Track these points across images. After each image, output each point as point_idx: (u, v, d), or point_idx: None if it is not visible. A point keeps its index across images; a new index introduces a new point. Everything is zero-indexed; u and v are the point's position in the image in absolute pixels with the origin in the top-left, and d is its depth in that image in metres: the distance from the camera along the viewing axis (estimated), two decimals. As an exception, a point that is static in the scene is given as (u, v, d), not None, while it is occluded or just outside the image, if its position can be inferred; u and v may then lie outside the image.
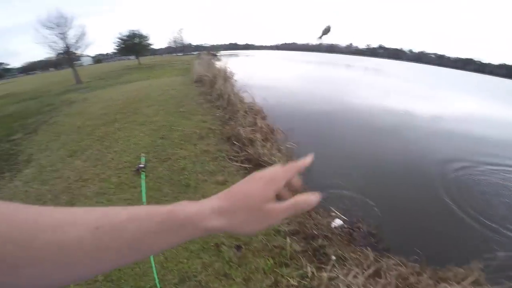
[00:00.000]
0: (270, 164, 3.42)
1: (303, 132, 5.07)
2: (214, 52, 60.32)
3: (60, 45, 15.33)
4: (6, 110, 9.21)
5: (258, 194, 0.31)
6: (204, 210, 0.30)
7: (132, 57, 33.44)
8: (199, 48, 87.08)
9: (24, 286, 0.23)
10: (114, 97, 7.60)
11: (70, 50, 15.71)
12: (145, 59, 42.36)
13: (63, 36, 15.17)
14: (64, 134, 4.86)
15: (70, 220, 0.25)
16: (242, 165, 3.50)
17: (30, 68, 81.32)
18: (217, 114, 5.10)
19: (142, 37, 30.01)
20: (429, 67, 77.08)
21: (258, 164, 3.50)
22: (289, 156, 3.77)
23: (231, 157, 3.64)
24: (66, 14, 15.19)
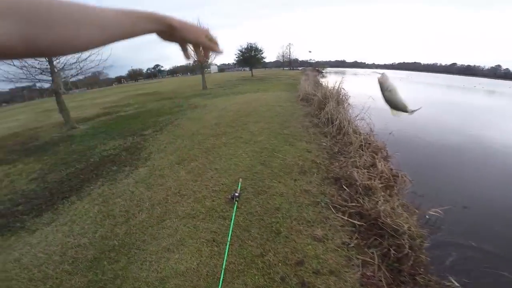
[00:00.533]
0: (394, 230, 2.51)
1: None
2: (319, 68, 59.88)
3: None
4: (149, 106, 11.62)
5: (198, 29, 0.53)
6: (167, 16, 0.49)
7: (247, 68, 37.00)
8: (304, 63, 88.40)
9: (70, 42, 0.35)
10: (227, 107, 8.17)
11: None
12: (257, 71, 46.36)
13: None
14: (180, 138, 5.38)
15: (110, 11, 0.41)
16: (350, 219, 2.71)
17: (174, 71, 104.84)
18: (324, 144, 4.45)
19: (257, 50, 32.58)
20: None
21: (374, 224, 2.63)
22: (422, 223, 2.69)
23: (337, 205, 2.90)
24: (202, 24, 17.59)
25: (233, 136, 4.94)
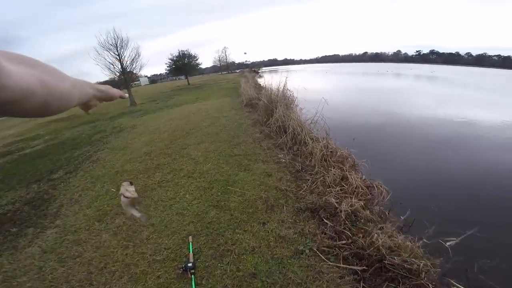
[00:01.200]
0: (408, 269, 1.91)
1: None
2: (255, 69, 61.00)
3: (117, 67, 15.56)
4: (64, 135, 9.30)
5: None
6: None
7: (183, 76, 34.87)
8: (241, 65, 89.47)
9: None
10: (160, 127, 6.85)
11: (126, 71, 15.89)
12: (194, 79, 44.34)
13: (119, 57, 15.39)
14: (100, 180, 4.00)
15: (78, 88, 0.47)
16: (349, 266, 2.01)
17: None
18: (283, 160, 3.73)
19: (190, 57, 30.97)
20: (491, 70, 66.24)
21: (382, 267, 1.97)
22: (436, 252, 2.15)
23: (325, 248, 2.18)
24: (122, 35, 15.36)
25: (170, 169, 3.81)
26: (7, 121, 32.53)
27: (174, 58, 30.05)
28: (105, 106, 20.02)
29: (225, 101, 10.40)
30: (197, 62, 31.40)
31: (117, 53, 15.16)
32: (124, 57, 15.34)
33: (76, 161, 5.38)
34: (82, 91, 0.48)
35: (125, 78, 15.80)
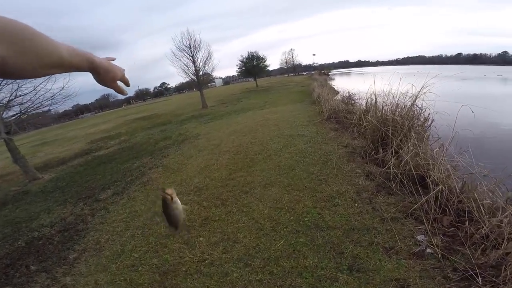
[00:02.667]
0: None
1: None
2: (325, 71, 56.79)
3: (192, 68, 15.57)
4: (137, 137, 9.30)
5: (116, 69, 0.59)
6: (96, 57, 0.54)
7: (252, 78, 34.80)
8: (308, 68, 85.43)
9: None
10: (223, 143, 5.63)
11: (199, 73, 15.78)
12: (261, 81, 44.11)
13: (192, 58, 15.32)
14: (136, 219, 2.92)
15: (61, 49, 0.44)
16: None
17: (181, 88, 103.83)
18: (428, 251, 1.80)
19: (259, 59, 30.42)
20: None
21: None
22: None
23: None
24: (195, 37, 15.35)
25: (219, 235, 2.31)
26: (108, 115, 38.62)
27: (244, 60, 29.99)
28: (181, 107, 21.04)
29: (297, 109, 8.66)
30: (265, 64, 30.65)
31: (191, 55, 15.13)
32: (197, 58, 15.31)
33: (130, 177, 4.65)
34: (72, 52, 0.47)
35: (198, 80, 15.85)
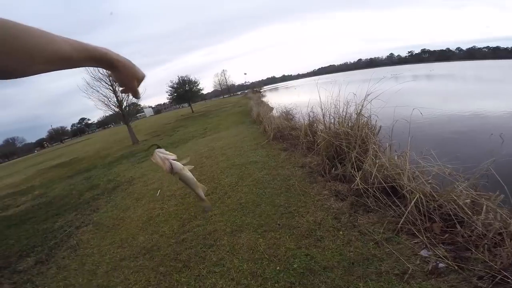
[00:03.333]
0: None
1: None
2: (257, 89, 59.97)
3: (113, 100, 13.45)
4: (52, 192, 7.41)
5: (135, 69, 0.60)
6: (113, 52, 0.55)
7: (186, 104, 33.58)
8: (242, 87, 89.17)
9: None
10: (165, 183, 4.86)
11: (123, 104, 13.69)
12: (197, 106, 43.29)
13: (112, 88, 13.09)
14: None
15: (64, 42, 0.44)
16: None
17: (105, 123, 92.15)
18: (441, 265, 1.64)
19: (191, 83, 29.71)
20: (484, 62, 66.52)
21: None
22: None
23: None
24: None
25: None
26: (15, 165, 31.29)
27: (175, 86, 28.83)
28: (106, 145, 18.37)
29: (241, 132, 8.45)
30: (198, 87, 30.11)
31: (109, 84, 12.97)
32: (118, 88, 13.51)
33: (53, 240, 3.59)
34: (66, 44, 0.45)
35: (123, 113, 13.93)
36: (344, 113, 3.36)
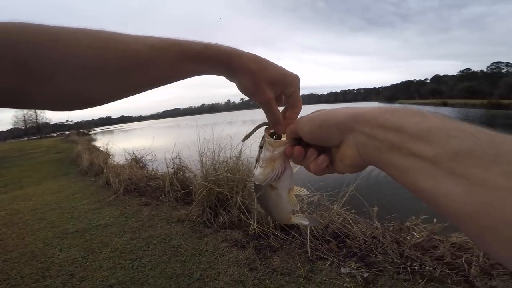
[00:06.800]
0: None
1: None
2: (85, 131, 49.58)
3: None
4: None
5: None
6: (238, 50, 0.38)
7: None
8: (61, 127, 70.81)
9: (91, 93, 0.32)
10: None
11: None
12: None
13: None
14: None
15: (132, 39, 0.33)
16: None
17: None
18: None
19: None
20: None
21: None
22: None
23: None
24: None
25: None
26: None
27: None
28: None
29: (67, 187, 6.22)
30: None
31: None
32: None
33: None
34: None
35: None
36: (222, 158, 3.25)
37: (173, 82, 0.37)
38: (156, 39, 0.34)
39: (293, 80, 0.41)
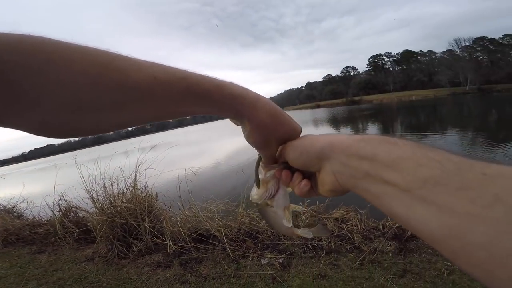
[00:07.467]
0: None
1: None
2: None
3: None
4: None
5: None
6: (251, 94, 0.36)
7: None
8: None
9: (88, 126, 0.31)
10: None
11: None
12: None
13: None
14: None
15: (134, 67, 0.30)
16: None
17: None
18: None
19: None
20: (189, 128, 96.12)
21: None
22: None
23: None
24: None
25: None
26: None
27: None
28: None
29: None
30: None
31: None
32: None
33: None
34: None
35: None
36: (116, 191, 3.42)
37: (172, 119, 0.35)
38: (160, 69, 0.31)
39: (298, 135, 0.41)
